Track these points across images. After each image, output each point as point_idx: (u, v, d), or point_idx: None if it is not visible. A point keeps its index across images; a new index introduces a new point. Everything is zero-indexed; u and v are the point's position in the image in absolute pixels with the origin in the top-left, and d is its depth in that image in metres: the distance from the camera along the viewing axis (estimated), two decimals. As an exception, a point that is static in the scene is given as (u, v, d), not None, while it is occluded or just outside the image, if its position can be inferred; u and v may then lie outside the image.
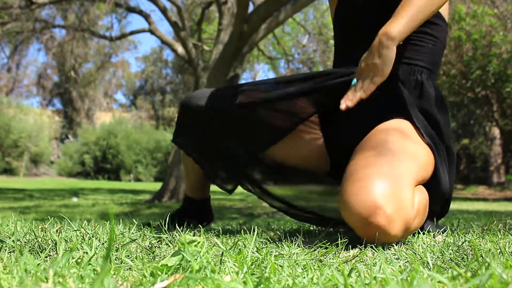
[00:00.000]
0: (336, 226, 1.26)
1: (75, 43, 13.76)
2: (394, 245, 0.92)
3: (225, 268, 0.61)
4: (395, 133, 1.07)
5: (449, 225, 1.40)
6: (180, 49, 8.94)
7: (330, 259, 0.76)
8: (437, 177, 1.08)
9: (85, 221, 1.11)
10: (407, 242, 0.97)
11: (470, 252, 0.80)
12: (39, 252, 0.76)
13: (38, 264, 0.64)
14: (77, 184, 16.64)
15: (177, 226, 1.16)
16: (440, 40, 1.18)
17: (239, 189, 1.41)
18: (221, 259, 0.66)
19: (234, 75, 8.53)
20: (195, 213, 1.45)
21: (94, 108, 31.77)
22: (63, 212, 5.34)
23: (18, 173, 23.73)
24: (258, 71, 21.55)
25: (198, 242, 0.73)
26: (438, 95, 1.17)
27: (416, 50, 1.15)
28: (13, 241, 0.80)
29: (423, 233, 1.08)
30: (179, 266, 0.63)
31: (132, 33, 10.86)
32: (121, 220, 1.26)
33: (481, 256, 0.74)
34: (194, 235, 0.85)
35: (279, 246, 0.87)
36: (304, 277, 0.57)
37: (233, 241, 0.92)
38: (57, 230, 0.93)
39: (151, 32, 9.04)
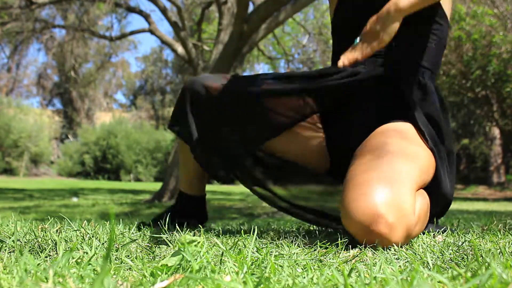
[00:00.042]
0: (337, 226, 1.26)
1: (75, 43, 13.76)
2: (394, 245, 0.92)
3: (225, 268, 0.61)
4: (395, 134, 1.06)
5: (449, 225, 1.40)
6: (180, 49, 8.95)
7: (330, 259, 0.76)
8: (438, 180, 1.07)
9: (85, 221, 1.11)
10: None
11: (470, 252, 0.80)
12: (39, 252, 0.76)
13: (38, 264, 0.64)
14: (77, 184, 16.63)
15: (177, 226, 1.16)
16: (442, 40, 1.18)
17: (239, 189, 1.40)
18: (221, 259, 0.66)
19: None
20: (193, 211, 1.38)
21: (94, 108, 31.78)
22: (63, 212, 5.34)
23: (18, 173, 23.74)
24: (258, 71, 21.55)
25: (198, 242, 0.73)
26: (438, 95, 1.17)
27: (420, 50, 1.15)
28: (13, 241, 0.80)
29: (423, 233, 1.08)
30: (179, 266, 0.63)
31: (132, 33, 10.86)
32: (121, 220, 1.26)
33: (481, 256, 0.74)
34: (194, 235, 0.84)
35: (279, 246, 0.87)
36: (304, 277, 0.57)
37: (233, 241, 0.92)
38: (57, 230, 0.93)
39: (151, 32, 9.05)
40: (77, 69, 22.59)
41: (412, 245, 0.92)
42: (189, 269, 0.59)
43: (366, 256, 0.78)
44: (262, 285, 0.49)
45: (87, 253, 0.72)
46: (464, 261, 0.72)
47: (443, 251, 0.82)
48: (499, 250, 0.81)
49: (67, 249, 0.76)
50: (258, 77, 1.26)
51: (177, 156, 7.79)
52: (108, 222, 1.13)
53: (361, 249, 0.85)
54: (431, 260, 0.72)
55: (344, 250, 0.85)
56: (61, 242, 0.80)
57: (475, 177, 16.53)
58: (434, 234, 1.08)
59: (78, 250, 0.75)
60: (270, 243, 0.93)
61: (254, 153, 1.27)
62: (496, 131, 14.56)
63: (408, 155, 1.00)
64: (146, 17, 8.97)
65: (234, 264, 0.63)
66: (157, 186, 10.69)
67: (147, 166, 25.04)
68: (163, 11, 8.68)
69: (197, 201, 1.39)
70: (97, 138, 25.74)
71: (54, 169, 27.06)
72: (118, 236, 0.96)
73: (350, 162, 1.05)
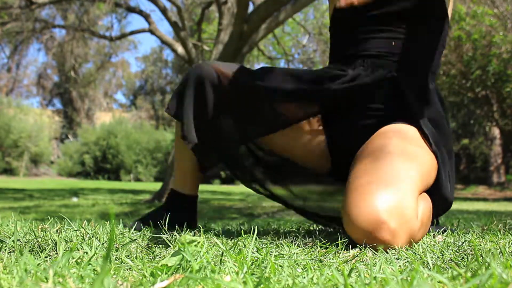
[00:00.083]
0: (338, 226, 1.26)
1: (75, 43, 13.76)
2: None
3: (225, 268, 0.61)
4: (395, 135, 1.05)
5: (449, 225, 1.40)
6: (180, 49, 8.95)
7: (330, 259, 0.76)
8: (439, 183, 1.06)
9: (85, 221, 1.11)
10: (407, 242, 0.97)
11: (470, 252, 0.80)
12: (39, 252, 0.76)
13: (38, 264, 0.64)
14: (77, 184, 16.63)
15: (177, 227, 1.16)
16: (443, 41, 1.18)
17: (239, 189, 1.40)
18: (221, 259, 0.66)
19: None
20: (184, 210, 1.33)
21: (94, 108, 31.78)
22: (63, 212, 5.34)
23: (18, 173, 23.74)
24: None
25: (198, 242, 0.73)
26: (438, 96, 1.17)
27: (420, 50, 1.14)
28: (13, 241, 0.80)
29: (423, 233, 1.08)
30: (179, 266, 0.63)
31: (132, 33, 10.86)
32: (121, 220, 1.25)
33: (481, 256, 0.74)
34: (194, 235, 0.84)
35: (279, 246, 0.87)
36: (304, 277, 0.57)
37: (233, 241, 0.92)
38: (57, 230, 0.93)
39: (151, 32, 9.04)
40: (77, 69, 22.59)
41: (412, 245, 0.92)
42: (189, 269, 0.59)
43: (366, 256, 0.78)
44: (262, 285, 0.49)
45: (87, 253, 0.72)
46: (464, 261, 0.72)
47: (443, 251, 0.82)
48: (499, 250, 0.81)
49: (67, 249, 0.76)
50: (272, 72, 1.23)
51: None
52: (108, 222, 1.13)
53: (361, 249, 0.85)
54: (431, 260, 0.72)
55: (344, 250, 0.85)
56: (61, 242, 0.80)
57: (475, 177, 16.53)
58: (434, 234, 1.08)
59: (78, 250, 0.75)
60: (270, 243, 0.92)
61: (247, 144, 1.24)
62: (496, 131, 14.56)
63: (408, 155, 1.00)
64: (146, 17, 8.97)
65: (234, 264, 0.63)
66: (157, 186, 10.69)
67: (147, 166, 25.04)
68: (163, 11, 8.68)
69: (189, 200, 1.35)
70: (97, 138, 25.74)
71: (54, 169, 27.07)
72: (118, 236, 0.96)
73: (351, 164, 1.05)
